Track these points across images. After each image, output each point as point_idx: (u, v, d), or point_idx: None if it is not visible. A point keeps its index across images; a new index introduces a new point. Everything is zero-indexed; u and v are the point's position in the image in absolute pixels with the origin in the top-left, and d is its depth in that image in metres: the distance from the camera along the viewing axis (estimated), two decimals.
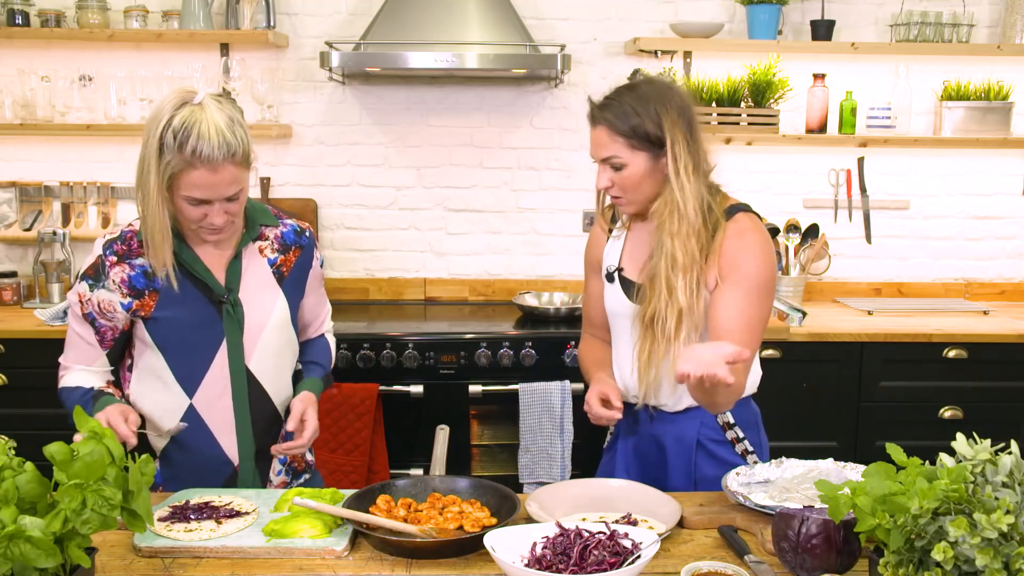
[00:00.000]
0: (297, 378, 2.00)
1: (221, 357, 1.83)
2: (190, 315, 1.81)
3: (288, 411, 1.91)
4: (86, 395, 1.83)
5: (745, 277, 1.82)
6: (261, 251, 1.89)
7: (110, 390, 1.86)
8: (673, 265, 1.82)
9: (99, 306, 1.81)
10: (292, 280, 1.92)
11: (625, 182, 1.85)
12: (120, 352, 1.89)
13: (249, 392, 1.86)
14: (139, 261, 1.80)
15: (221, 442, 1.86)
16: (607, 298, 2.01)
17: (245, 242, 1.87)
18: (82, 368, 1.87)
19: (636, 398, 1.97)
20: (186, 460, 1.87)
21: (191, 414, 1.84)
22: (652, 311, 1.85)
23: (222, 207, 1.72)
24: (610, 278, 1.99)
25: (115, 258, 1.80)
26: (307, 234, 1.97)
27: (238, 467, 1.89)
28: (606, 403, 1.89)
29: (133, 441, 1.71)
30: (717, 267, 1.84)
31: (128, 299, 1.79)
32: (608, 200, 1.97)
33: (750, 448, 1.97)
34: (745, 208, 1.90)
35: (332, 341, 2.12)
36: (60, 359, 1.90)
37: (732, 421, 1.96)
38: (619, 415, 1.88)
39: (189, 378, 1.83)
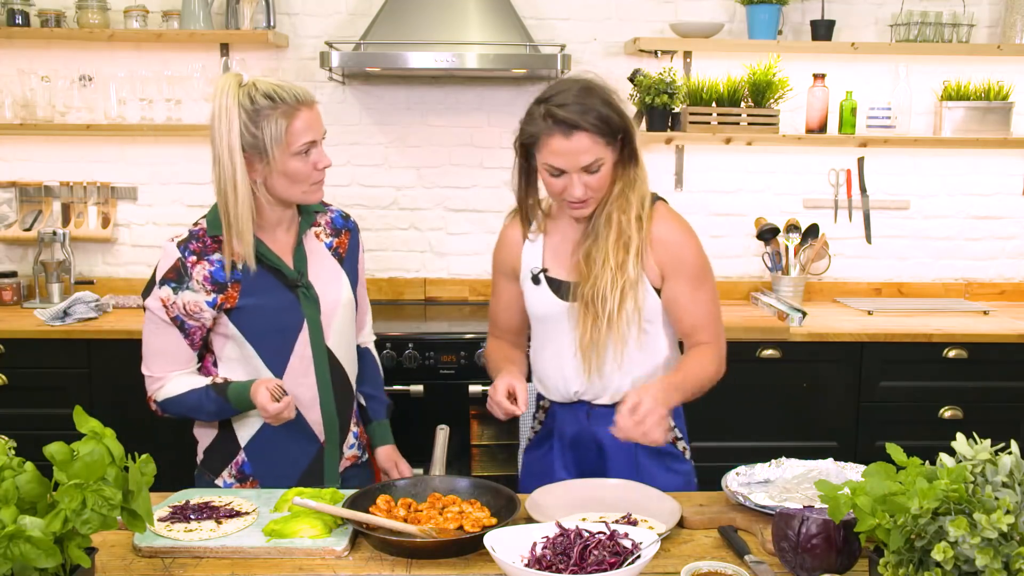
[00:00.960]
0: (362, 410, 2.08)
1: (303, 338, 1.89)
2: (271, 301, 1.86)
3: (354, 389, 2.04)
4: (207, 394, 1.85)
5: (692, 268, 1.90)
6: (317, 236, 1.97)
7: (219, 379, 1.89)
8: (626, 241, 1.83)
9: (185, 308, 1.83)
10: (349, 261, 2.00)
11: (599, 182, 1.82)
12: (202, 351, 1.92)
13: (330, 369, 1.93)
14: (215, 256, 1.84)
15: (308, 419, 1.92)
16: (533, 302, 1.99)
17: (304, 229, 1.93)
18: (178, 373, 1.89)
19: (577, 394, 1.96)
20: (275, 446, 1.91)
21: None
22: (592, 290, 1.85)
23: (322, 149, 1.82)
24: (536, 280, 1.97)
25: (194, 257, 1.84)
26: (351, 219, 2.06)
27: (324, 443, 1.94)
28: (511, 397, 1.87)
29: (292, 408, 1.79)
30: (653, 257, 1.87)
31: (213, 295, 1.83)
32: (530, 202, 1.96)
33: (679, 435, 2.01)
34: (659, 197, 1.95)
35: (378, 358, 2.17)
36: (145, 371, 1.91)
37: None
38: (519, 412, 1.86)
39: (277, 361, 1.88)
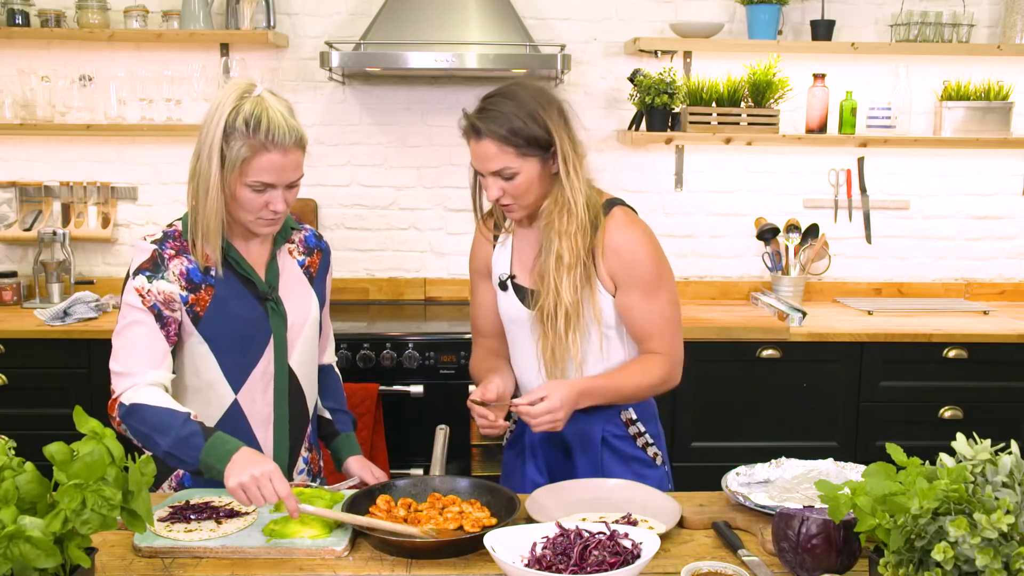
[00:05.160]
0: (326, 424, 2.04)
1: (268, 354, 1.86)
2: (241, 311, 1.83)
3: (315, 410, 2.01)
4: (188, 423, 1.65)
5: (644, 277, 1.87)
6: (291, 253, 1.95)
7: (201, 419, 1.70)
8: (559, 264, 1.84)
9: (160, 295, 1.77)
10: (318, 282, 1.98)
11: (517, 190, 1.83)
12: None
13: (289, 389, 1.90)
14: (193, 257, 1.82)
15: (259, 438, 1.88)
16: (503, 306, 2.00)
17: (279, 244, 1.91)
18: (155, 373, 1.73)
19: None
20: None
21: (234, 410, 1.84)
22: (543, 309, 1.87)
23: (283, 193, 1.77)
24: (503, 286, 1.99)
25: (172, 251, 1.81)
26: (324, 240, 2.04)
27: None
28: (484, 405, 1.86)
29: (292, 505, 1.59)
30: (605, 265, 1.87)
31: (186, 292, 1.80)
32: (486, 206, 1.97)
33: (650, 441, 2.00)
34: (619, 202, 1.93)
35: (340, 376, 2.14)
36: (114, 365, 1.75)
37: (634, 417, 1.98)
38: (505, 425, 1.85)
39: (237, 374, 1.84)
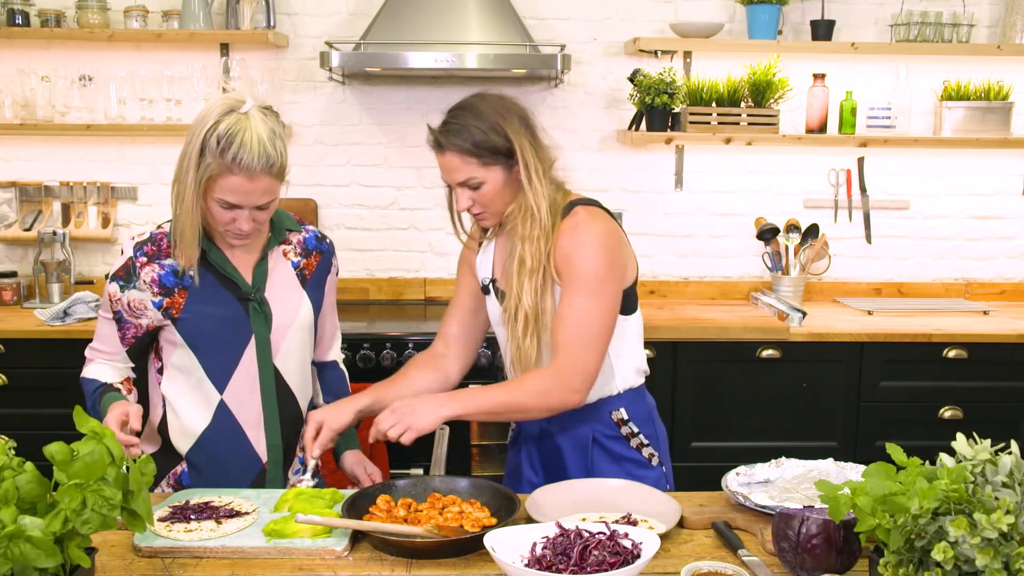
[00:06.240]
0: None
1: (250, 354, 1.87)
2: (219, 311, 1.84)
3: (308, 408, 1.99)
4: (96, 390, 1.89)
5: (577, 276, 1.83)
6: (285, 254, 1.95)
7: (118, 386, 1.90)
8: (520, 268, 1.85)
9: (129, 305, 1.85)
10: (314, 283, 1.97)
11: (484, 198, 1.87)
12: (140, 351, 1.92)
13: (276, 389, 1.90)
14: (168, 261, 1.85)
15: (251, 438, 1.89)
16: (489, 310, 2.03)
17: (271, 245, 1.92)
18: (104, 361, 1.93)
19: None
20: (215, 461, 1.88)
21: (222, 410, 1.86)
22: (507, 312, 1.89)
23: (251, 214, 1.77)
24: (486, 290, 2.01)
25: (145, 259, 1.84)
26: (327, 241, 2.03)
27: (266, 465, 1.91)
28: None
29: (135, 450, 1.69)
30: (554, 264, 1.86)
31: (159, 297, 1.83)
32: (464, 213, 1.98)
33: (645, 441, 1.98)
34: (588, 202, 1.92)
35: (346, 373, 2.14)
36: (87, 350, 1.97)
37: (626, 417, 1.97)
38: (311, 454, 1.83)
39: (220, 374, 1.86)
